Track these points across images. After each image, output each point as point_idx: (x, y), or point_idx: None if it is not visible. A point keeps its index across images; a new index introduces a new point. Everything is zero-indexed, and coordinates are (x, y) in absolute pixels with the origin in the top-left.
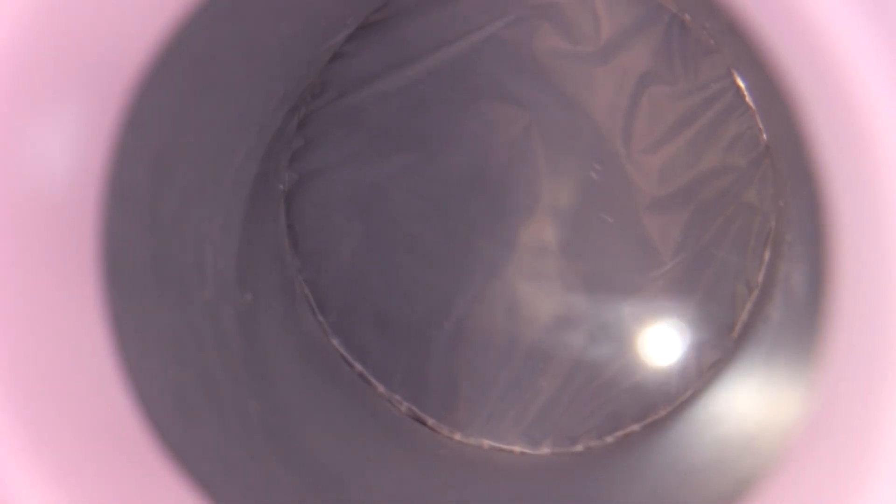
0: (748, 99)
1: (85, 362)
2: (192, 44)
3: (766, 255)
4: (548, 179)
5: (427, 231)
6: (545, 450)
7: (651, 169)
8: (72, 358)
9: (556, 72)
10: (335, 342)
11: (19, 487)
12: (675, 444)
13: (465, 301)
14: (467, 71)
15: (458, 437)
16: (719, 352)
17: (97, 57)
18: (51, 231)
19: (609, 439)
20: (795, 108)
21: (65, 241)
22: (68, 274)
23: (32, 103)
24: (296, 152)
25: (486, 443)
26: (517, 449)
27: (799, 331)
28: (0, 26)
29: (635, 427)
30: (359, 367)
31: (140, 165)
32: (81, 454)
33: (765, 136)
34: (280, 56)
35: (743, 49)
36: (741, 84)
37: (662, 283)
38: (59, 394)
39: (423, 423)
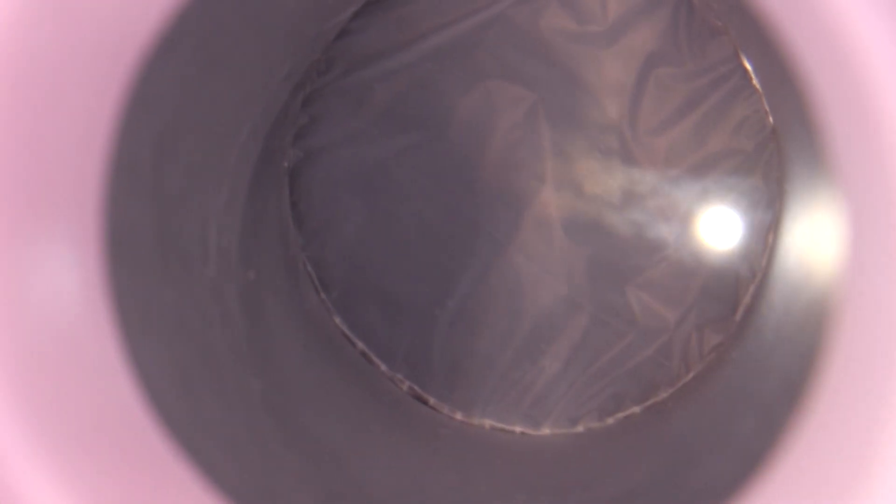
0: (755, 81)
1: (87, 339)
2: (197, 20)
3: (770, 240)
4: (553, 160)
5: (431, 210)
6: (546, 430)
7: (657, 151)
8: (74, 335)
9: (563, 52)
10: (338, 320)
11: (22, 470)
12: (677, 426)
13: (468, 281)
14: (474, 50)
15: (459, 416)
16: (721, 334)
17: (102, 33)
18: (54, 207)
19: (610, 421)
20: (803, 90)
21: (68, 217)
22: (71, 250)
23: (36, 78)
24: (300, 129)
25: (487, 423)
26: (518, 429)
27: (802, 314)
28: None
29: (636, 409)
30: (361, 345)
31: (144, 142)
32: (83, 432)
33: (771, 119)
34: (285, 33)
35: (750, 31)
36: (748, 66)
37: (665, 266)
38: (61, 374)
39: (425, 402)
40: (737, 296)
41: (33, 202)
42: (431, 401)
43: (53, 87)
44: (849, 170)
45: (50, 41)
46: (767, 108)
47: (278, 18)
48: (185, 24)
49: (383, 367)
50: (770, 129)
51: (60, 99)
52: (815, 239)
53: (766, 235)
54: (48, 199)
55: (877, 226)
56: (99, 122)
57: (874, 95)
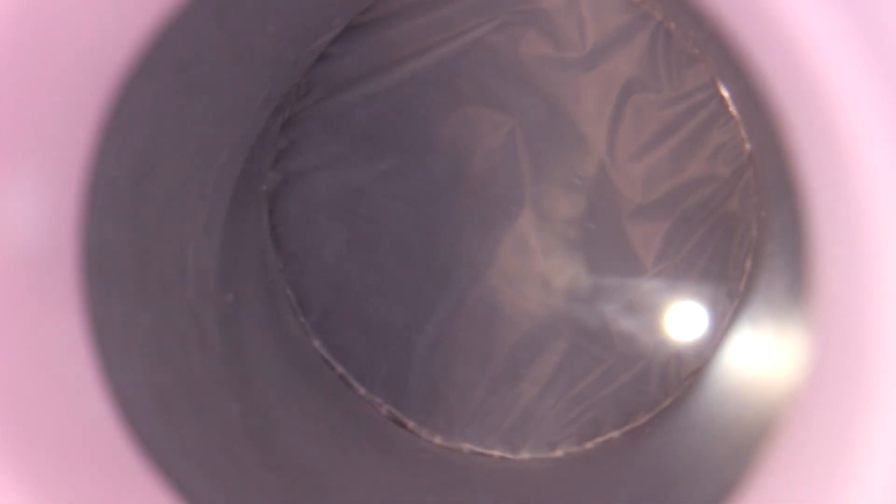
0: (732, 108)
1: (64, 363)
2: (176, 43)
3: (748, 265)
4: (531, 185)
5: (410, 234)
6: (525, 455)
7: (635, 176)
8: (51, 359)
9: (541, 77)
10: (316, 343)
11: None
12: (655, 451)
13: (447, 305)
14: (453, 75)
15: (438, 440)
16: (699, 359)
17: (80, 56)
18: (30, 231)
19: (589, 445)
20: (777, 118)
21: (45, 240)
22: (48, 274)
23: (14, 99)
24: (280, 153)
25: (466, 447)
26: (497, 453)
27: (779, 340)
28: None
29: (615, 434)
30: (340, 368)
31: (123, 164)
32: (59, 454)
33: (748, 146)
34: (265, 56)
35: (727, 59)
36: (725, 93)
37: (644, 291)
38: (37, 394)
39: (404, 426)
40: (715, 321)
41: (10, 222)
42: (410, 424)
43: (32, 108)
44: (819, 193)
45: (29, 62)
46: (745, 135)
47: (258, 42)
48: (164, 47)
49: (362, 391)
50: (747, 156)
51: (39, 119)
52: (791, 265)
53: (743, 261)
54: (26, 220)
55: (848, 251)
56: (77, 144)
57: (846, 124)
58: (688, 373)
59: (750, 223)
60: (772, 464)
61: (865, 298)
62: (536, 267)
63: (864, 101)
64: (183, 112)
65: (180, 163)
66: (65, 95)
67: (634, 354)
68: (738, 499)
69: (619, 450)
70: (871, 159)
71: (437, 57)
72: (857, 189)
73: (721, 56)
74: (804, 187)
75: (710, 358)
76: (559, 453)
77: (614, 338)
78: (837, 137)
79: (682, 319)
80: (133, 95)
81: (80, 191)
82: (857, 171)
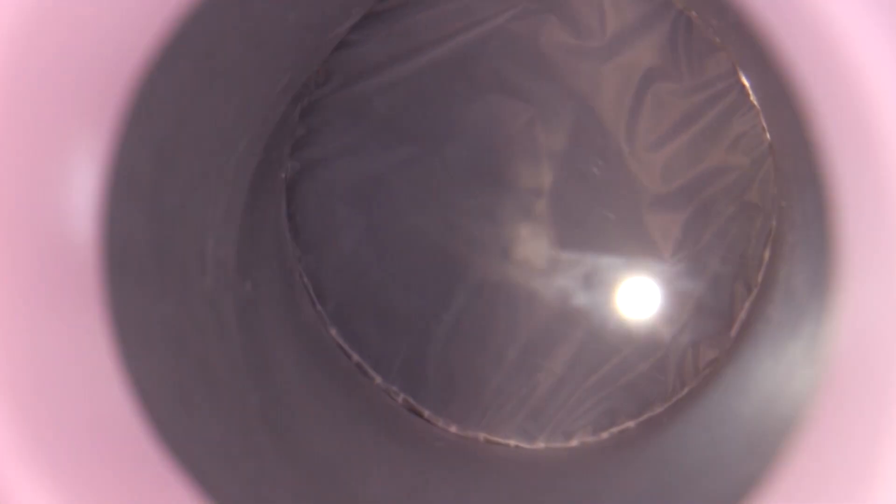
0: (752, 98)
1: (84, 353)
2: (196, 32)
3: (767, 256)
4: (550, 174)
5: (428, 223)
6: (540, 444)
7: (654, 166)
8: (71, 349)
9: (561, 66)
10: (333, 332)
11: (17, 482)
12: (671, 441)
13: (464, 294)
14: (472, 63)
15: (454, 429)
16: (716, 350)
17: (101, 46)
18: (52, 220)
19: (604, 435)
20: (802, 108)
21: (66, 229)
22: (69, 263)
23: (36, 90)
24: (298, 141)
25: (482, 436)
26: (512, 443)
27: (799, 332)
28: (4, 13)
29: (630, 424)
30: (356, 357)
31: (143, 154)
32: (80, 447)
33: (768, 136)
34: (285, 45)
35: (749, 47)
36: (746, 83)
37: (662, 281)
38: (57, 386)
39: (420, 414)
40: (732, 312)
41: (34, 214)
42: (426, 413)
43: (53, 99)
44: (846, 186)
45: (50, 53)
46: (765, 125)
47: (278, 30)
48: (184, 37)
49: (378, 380)
50: (767, 146)
51: (60, 110)
52: (811, 255)
53: (762, 251)
54: (48, 211)
55: (876, 245)
56: (98, 134)
57: (875, 114)
58: (705, 363)
59: (769, 214)
60: (793, 460)
61: (893, 292)
62: (555, 256)
63: (893, 88)
64: (203, 101)
65: (200, 152)
66: (87, 86)
67: (651, 344)
68: (758, 496)
69: (635, 440)
70: None
71: (456, 45)
72: (890, 180)
73: (742, 45)
74: (830, 178)
75: (728, 349)
76: (575, 443)
77: (631, 328)
78: (868, 128)
79: (700, 310)
80: (155, 85)
81: (103, 182)
82: (888, 163)
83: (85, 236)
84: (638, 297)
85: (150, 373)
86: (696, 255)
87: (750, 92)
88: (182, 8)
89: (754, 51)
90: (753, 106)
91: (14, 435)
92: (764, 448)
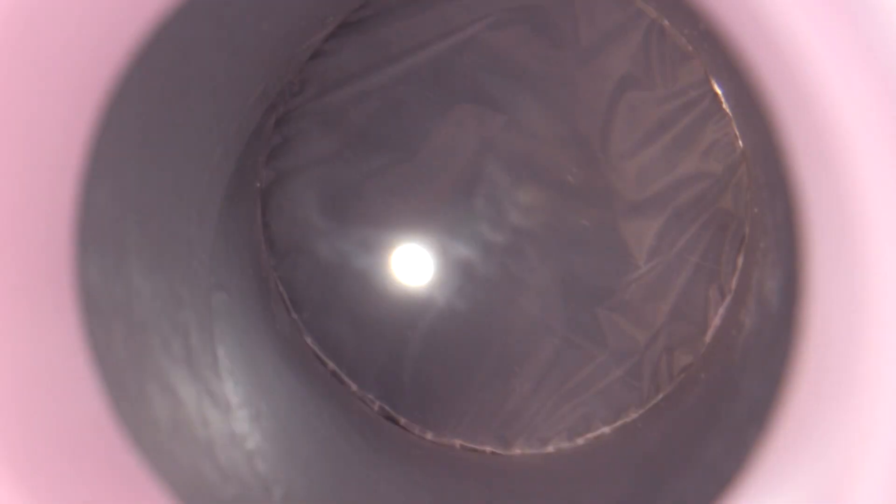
0: (725, 105)
1: (58, 364)
2: (171, 42)
3: (740, 262)
4: (525, 182)
5: (403, 231)
6: (516, 450)
7: (628, 173)
8: (45, 360)
9: (535, 74)
10: (309, 340)
11: None
12: (646, 447)
13: (439, 302)
14: (447, 72)
15: (429, 436)
16: (690, 356)
17: (75, 55)
18: (24, 227)
19: (580, 441)
20: (770, 115)
21: (39, 237)
22: (42, 271)
23: (7, 104)
24: (273, 150)
25: (458, 442)
26: (488, 449)
27: (771, 337)
28: None
29: (606, 429)
30: (332, 365)
31: (117, 161)
32: (52, 456)
33: (741, 143)
34: (259, 54)
35: (720, 56)
36: (718, 90)
37: (636, 287)
38: (34, 397)
39: (396, 422)
40: (706, 317)
41: (6, 220)
42: (402, 420)
43: (24, 109)
44: (811, 191)
45: (24, 61)
46: (737, 132)
47: (252, 40)
48: (158, 45)
49: (354, 387)
50: (740, 153)
51: (32, 120)
52: (783, 261)
53: (735, 257)
54: (20, 217)
55: (841, 249)
56: (71, 144)
57: (839, 121)
58: (679, 369)
59: (742, 220)
60: (767, 460)
61: (860, 295)
62: (529, 264)
63: (857, 98)
64: (177, 110)
65: (174, 161)
66: (60, 94)
67: (626, 350)
68: (734, 496)
69: (611, 446)
70: (865, 156)
71: (430, 54)
72: (851, 186)
73: (714, 53)
74: (797, 184)
75: (702, 354)
76: (550, 449)
77: (606, 334)
78: (830, 134)
79: (674, 315)
80: (127, 94)
81: (75, 191)
82: (850, 168)
83: (59, 246)
84: (612, 303)
85: (125, 381)
86: (670, 262)
87: (722, 100)
88: (155, 17)
89: (725, 59)
90: (726, 114)
91: None
92: (738, 450)
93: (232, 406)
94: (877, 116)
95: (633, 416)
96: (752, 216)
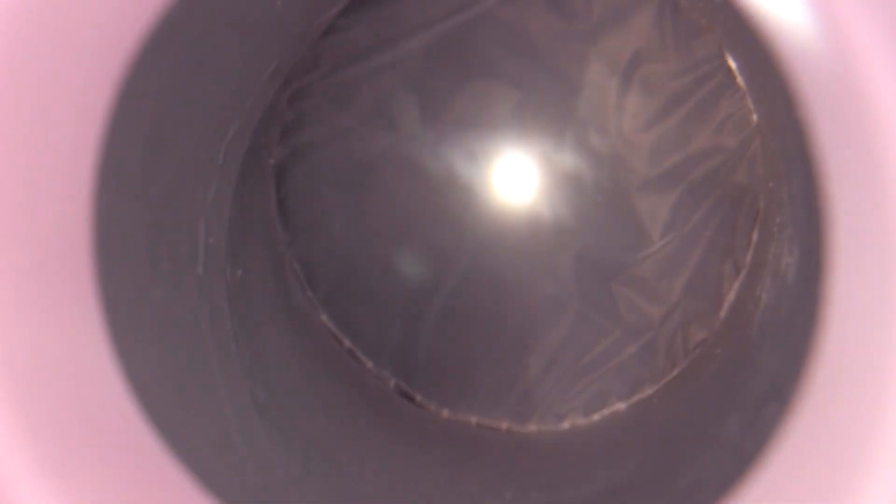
0: (739, 79)
1: (79, 342)
2: (184, 19)
3: (755, 237)
4: (539, 158)
5: (417, 207)
6: (532, 427)
7: (642, 148)
8: (66, 339)
9: (548, 49)
10: (324, 318)
11: (15, 474)
12: (662, 423)
13: (454, 278)
14: (460, 48)
15: (445, 413)
16: (706, 331)
17: (88, 35)
18: (44, 211)
19: (595, 417)
20: (789, 87)
21: (58, 217)
22: (62, 253)
23: (25, 82)
24: (287, 127)
25: (474, 419)
26: (504, 426)
27: (788, 312)
28: None
29: (621, 405)
30: (348, 342)
31: (133, 142)
32: (74, 434)
33: (755, 117)
34: (272, 30)
35: (735, 28)
36: (732, 64)
37: (651, 263)
38: (50, 374)
39: (412, 399)
40: (721, 292)
41: (24, 203)
42: (418, 398)
43: (42, 88)
44: (835, 164)
45: (38, 44)
46: (752, 106)
47: (265, 16)
48: (171, 23)
49: (370, 365)
50: (754, 126)
51: (49, 101)
52: (800, 235)
53: (750, 232)
54: (39, 200)
55: (867, 224)
56: (88, 123)
57: (865, 92)
58: (694, 344)
59: (757, 194)
60: (788, 438)
61: (887, 271)
62: (544, 240)
63: (884, 65)
64: (191, 88)
65: (189, 139)
66: (75, 75)
67: (641, 326)
68: (751, 472)
69: (627, 422)
70: (893, 126)
71: (443, 30)
72: (881, 157)
73: (730, 26)
74: (818, 157)
75: (717, 329)
76: (566, 425)
77: (621, 309)
78: (858, 104)
79: (689, 291)
80: (142, 73)
81: (92, 171)
82: (880, 139)
83: (76, 226)
84: (627, 279)
85: (143, 358)
86: (684, 237)
87: (736, 73)
88: None
89: (741, 31)
90: (740, 87)
91: (12, 427)
92: (756, 427)
93: (248, 385)
94: None
95: (649, 391)
96: (767, 190)
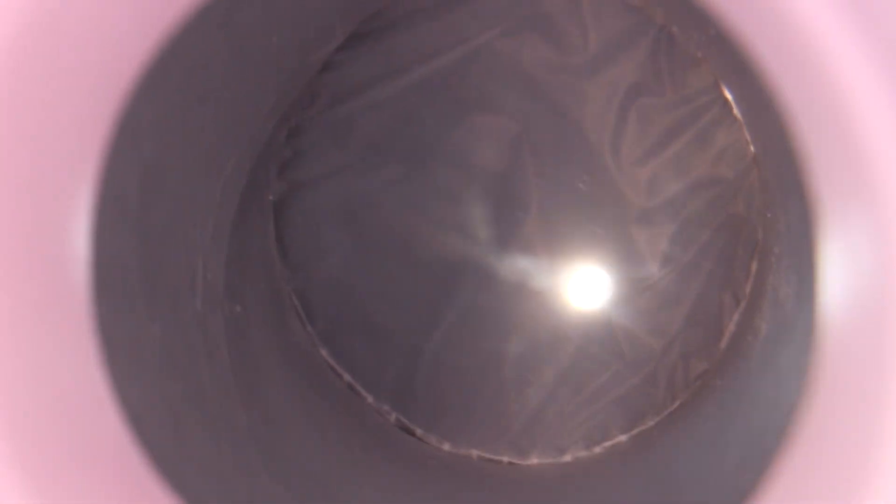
0: (735, 111)
1: (75, 376)
2: (183, 55)
3: (754, 267)
4: (537, 191)
5: (416, 242)
6: (533, 460)
7: (639, 180)
8: (62, 370)
9: (545, 83)
10: (324, 352)
11: (11, 501)
12: (663, 455)
13: (454, 312)
14: (457, 82)
15: (446, 447)
16: (706, 362)
17: (89, 68)
18: (42, 242)
19: (597, 450)
20: (783, 118)
21: (55, 250)
22: (60, 285)
23: (24, 111)
24: (285, 162)
25: (475, 453)
26: (505, 459)
27: (788, 342)
28: None
29: (622, 437)
30: (347, 377)
31: (131, 176)
32: (71, 468)
33: (752, 148)
34: (271, 66)
35: (731, 61)
36: (728, 96)
37: (650, 295)
38: (47, 408)
39: (412, 433)
40: (721, 323)
41: (22, 236)
42: (418, 432)
43: (41, 121)
44: (829, 194)
45: (38, 77)
46: (748, 137)
47: (263, 53)
48: (171, 60)
49: (370, 399)
50: (751, 158)
51: (48, 132)
52: (798, 266)
53: (749, 262)
54: (37, 234)
55: (862, 254)
56: (86, 157)
57: (857, 122)
58: (695, 376)
59: (755, 225)
60: (786, 471)
61: (883, 301)
62: (542, 272)
63: (875, 99)
64: (189, 123)
65: (187, 174)
66: (74, 108)
67: (641, 358)
68: None
69: (628, 454)
70: (886, 157)
71: (440, 64)
72: (873, 189)
73: (724, 58)
74: (812, 188)
75: (718, 360)
76: (567, 458)
77: (621, 342)
78: (849, 135)
79: (689, 322)
80: (141, 107)
81: (89, 203)
82: (871, 170)
83: (75, 258)
84: (627, 311)
85: (140, 393)
86: (683, 268)
87: (733, 104)
88: (167, 31)
89: (736, 63)
90: (736, 118)
91: (7, 460)
92: (756, 459)
93: (247, 419)
94: None
95: (650, 423)
96: (765, 221)
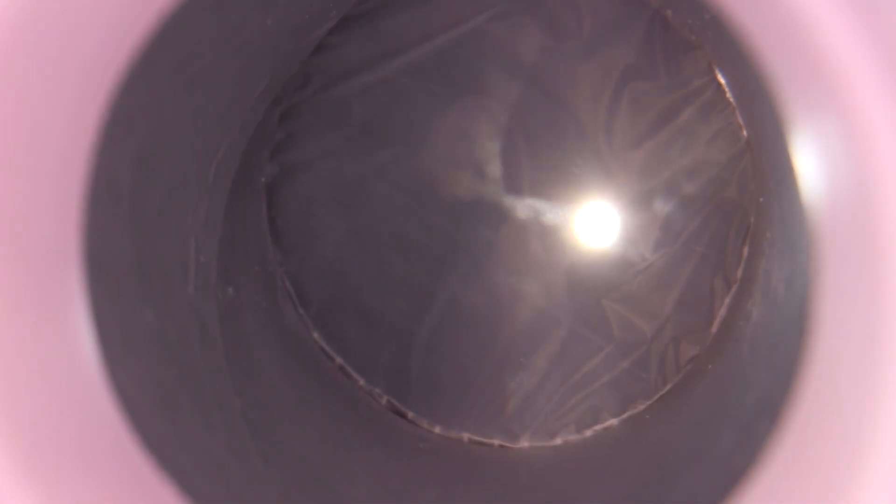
0: (729, 95)
1: (68, 360)
2: (175, 38)
3: (745, 252)
4: (529, 175)
5: (409, 225)
6: (524, 443)
7: (632, 164)
8: (55, 356)
9: (539, 66)
10: (316, 335)
11: (3, 486)
12: (655, 439)
13: (446, 295)
14: (450, 65)
15: (438, 430)
16: (697, 346)
17: (81, 52)
18: (33, 226)
19: (588, 433)
20: (777, 103)
21: (48, 235)
22: (52, 271)
23: (16, 98)
24: (278, 145)
25: (466, 436)
26: (496, 442)
27: (778, 327)
28: None
29: (614, 421)
30: (339, 360)
31: (123, 161)
32: (63, 453)
33: (745, 133)
34: (263, 49)
35: (724, 45)
36: (722, 80)
37: (642, 278)
38: (40, 392)
39: (404, 416)
40: (712, 308)
41: (13, 221)
42: (410, 415)
43: (31, 107)
44: (822, 180)
45: (30, 61)
46: (741, 122)
47: (255, 35)
48: (163, 42)
49: (362, 382)
50: (744, 142)
51: (40, 118)
52: (790, 251)
53: (741, 247)
54: (29, 218)
55: (854, 239)
56: (78, 142)
57: (851, 107)
58: (686, 360)
59: (748, 210)
60: (778, 455)
61: (875, 286)
62: (535, 256)
63: (869, 84)
64: (182, 106)
65: (179, 157)
66: (66, 92)
67: (633, 342)
68: (742, 488)
69: (619, 437)
70: (878, 143)
71: (434, 47)
72: (864, 174)
73: (718, 42)
74: (805, 173)
75: (709, 344)
76: (558, 441)
77: (613, 325)
78: (844, 120)
79: (680, 306)
80: (133, 91)
81: (82, 188)
82: (863, 156)
83: (67, 243)
84: (619, 295)
85: (134, 379)
86: (675, 252)
87: (726, 89)
88: (159, 14)
89: (730, 48)
90: (730, 103)
91: (0, 446)
92: (748, 443)
93: (240, 403)
94: (890, 101)
95: (641, 407)
96: (758, 206)
